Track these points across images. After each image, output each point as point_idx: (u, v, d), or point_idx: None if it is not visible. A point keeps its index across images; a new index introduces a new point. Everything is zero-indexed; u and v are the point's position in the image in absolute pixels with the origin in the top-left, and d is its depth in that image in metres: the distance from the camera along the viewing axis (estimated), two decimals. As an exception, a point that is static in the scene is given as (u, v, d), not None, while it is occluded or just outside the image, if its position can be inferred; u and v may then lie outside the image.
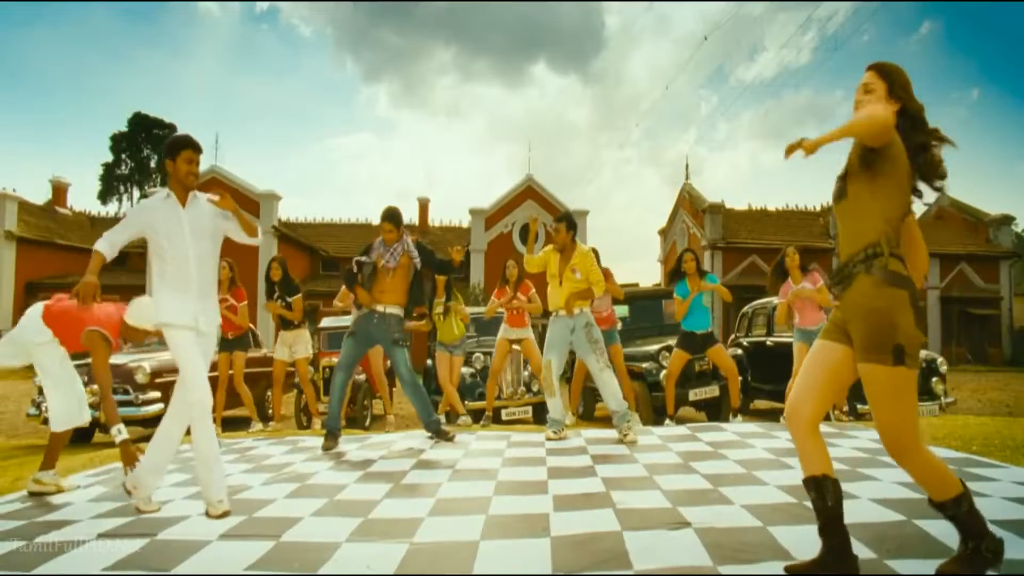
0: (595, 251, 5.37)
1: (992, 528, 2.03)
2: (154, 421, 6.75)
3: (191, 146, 3.22)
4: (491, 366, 6.53)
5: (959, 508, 1.97)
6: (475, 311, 9.34)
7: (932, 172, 2.09)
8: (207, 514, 3.06)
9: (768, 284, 6.20)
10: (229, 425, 7.29)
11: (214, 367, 7.02)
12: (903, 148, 2.03)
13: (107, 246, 3.11)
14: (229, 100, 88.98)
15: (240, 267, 6.85)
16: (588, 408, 8.45)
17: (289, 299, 6.74)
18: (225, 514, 3.04)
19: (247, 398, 6.82)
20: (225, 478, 3.28)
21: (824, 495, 2.06)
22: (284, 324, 6.80)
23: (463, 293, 19.29)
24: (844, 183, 2.13)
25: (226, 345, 6.76)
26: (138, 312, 3.61)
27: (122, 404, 6.72)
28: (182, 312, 3.14)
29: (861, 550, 2.29)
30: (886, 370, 1.93)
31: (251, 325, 7.15)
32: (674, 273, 6.24)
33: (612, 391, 4.85)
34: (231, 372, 6.80)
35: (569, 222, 5.09)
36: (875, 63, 2.20)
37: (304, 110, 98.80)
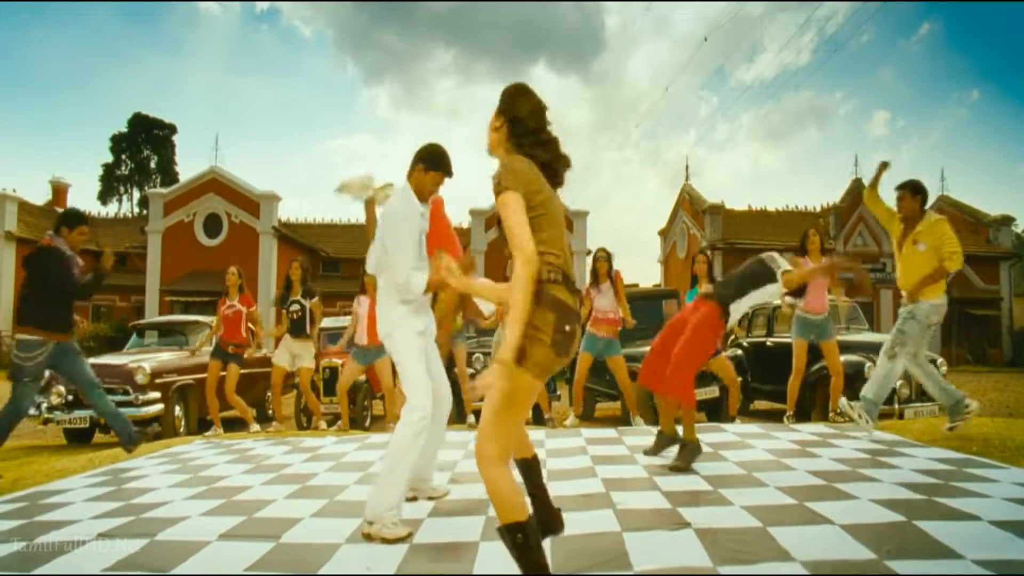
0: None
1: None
2: (154, 422, 6.76)
3: (446, 171, 3.14)
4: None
5: (514, 536, 1.94)
6: (475, 312, 9.34)
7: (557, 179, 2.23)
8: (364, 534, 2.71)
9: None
10: (229, 426, 7.29)
11: (203, 368, 7.01)
12: (539, 189, 2.09)
13: (410, 275, 2.96)
14: (229, 100, 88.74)
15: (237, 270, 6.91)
16: (588, 408, 8.44)
17: (306, 302, 6.67)
18: (378, 538, 2.67)
19: (240, 408, 6.69)
20: (400, 499, 2.80)
21: None
22: (294, 331, 6.67)
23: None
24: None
25: (225, 357, 6.60)
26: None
27: (122, 404, 6.71)
28: (414, 321, 3.07)
29: (861, 550, 2.29)
30: (509, 365, 1.97)
31: (251, 326, 7.11)
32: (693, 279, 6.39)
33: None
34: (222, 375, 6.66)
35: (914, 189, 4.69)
36: None
37: (304, 111, 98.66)
